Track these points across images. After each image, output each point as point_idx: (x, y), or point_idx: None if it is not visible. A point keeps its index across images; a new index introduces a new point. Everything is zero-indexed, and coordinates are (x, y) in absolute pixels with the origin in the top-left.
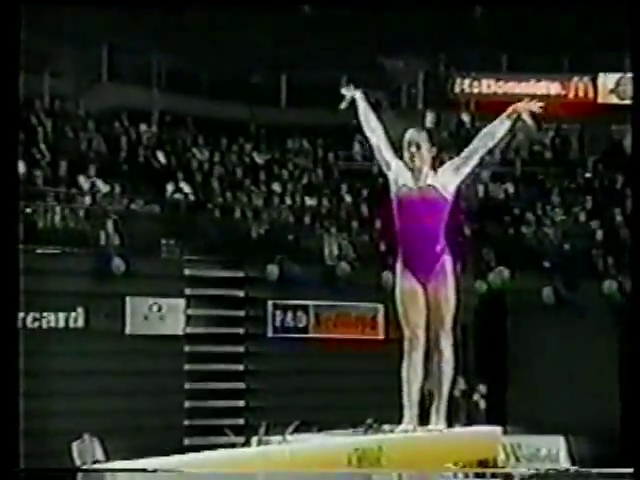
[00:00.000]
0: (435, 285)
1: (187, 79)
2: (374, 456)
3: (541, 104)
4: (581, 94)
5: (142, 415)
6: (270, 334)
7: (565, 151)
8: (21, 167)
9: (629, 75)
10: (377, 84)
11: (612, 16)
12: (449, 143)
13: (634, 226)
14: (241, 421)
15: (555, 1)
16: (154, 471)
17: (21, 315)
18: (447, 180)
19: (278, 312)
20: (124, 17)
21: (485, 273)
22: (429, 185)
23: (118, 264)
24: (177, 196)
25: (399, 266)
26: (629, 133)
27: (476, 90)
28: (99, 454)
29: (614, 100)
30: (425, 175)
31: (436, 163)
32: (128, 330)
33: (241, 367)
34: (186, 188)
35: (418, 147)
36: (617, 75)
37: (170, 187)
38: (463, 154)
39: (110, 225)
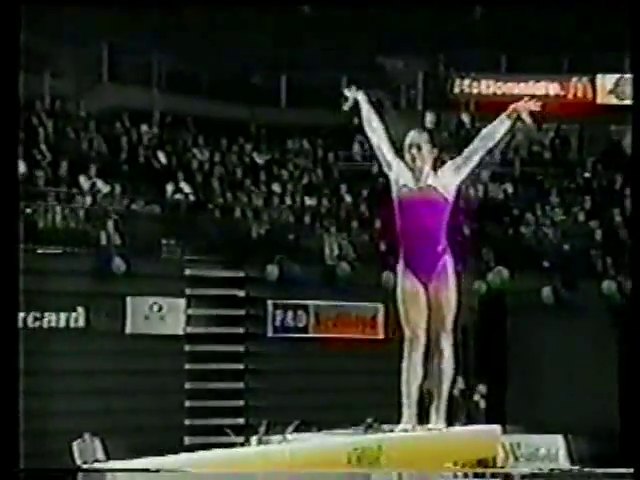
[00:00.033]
0: (436, 285)
1: (187, 79)
2: (374, 455)
3: (540, 104)
4: (580, 95)
5: (142, 414)
6: (270, 334)
7: (564, 151)
8: (22, 167)
9: (628, 76)
10: (377, 84)
11: (611, 16)
12: (449, 143)
13: (634, 226)
14: (241, 421)
15: (554, 2)
16: (155, 471)
17: (22, 315)
18: (448, 180)
19: (278, 312)
20: (124, 17)
21: (484, 273)
22: (430, 186)
23: (119, 264)
24: (177, 196)
25: (400, 266)
26: (628, 133)
27: (475, 90)
28: (100, 453)
29: (613, 101)
30: (426, 176)
31: (437, 164)
32: (129, 330)
33: (241, 367)
34: (186, 188)
35: (419, 148)
36: (616, 76)
37: (170, 187)
38: (463, 154)
39: (111, 225)
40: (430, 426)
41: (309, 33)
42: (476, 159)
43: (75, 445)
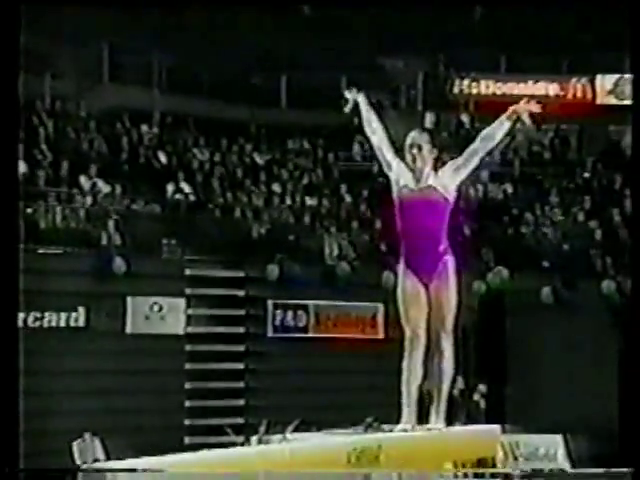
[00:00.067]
0: (437, 285)
1: (188, 80)
2: (373, 455)
3: (540, 105)
4: (580, 95)
5: (143, 414)
6: (270, 333)
7: (564, 151)
8: (23, 167)
9: (627, 76)
10: (377, 85)
11: (611, 17)
12: (449, 144)
13: (634, 226)
14: (241, 420)
15: (554, 2)
16: (155, 471)
17: (23, 315)
18: (448, 181)
19: (278, 312)
20: (124, 17)
21: (484, 273)
22: (430, 186)
23: (119, 264)
24: (178, 196)
25: (401, 266)
26: (627, 134)
27: (475, 91)
28: (100, 453)
29: (612, 101)
30: (426, 176)
31: (437, 164)
32: (129, 329)
33: (241, 366)
34: (187, 188)
35: (420, 149)
36: (615, 76)
37: (171, 187)
38: (463, 155)
39: (111, 225)
40: (429, 426)
41: (309, 33)
42: (476, 160)
43: (75, 445)
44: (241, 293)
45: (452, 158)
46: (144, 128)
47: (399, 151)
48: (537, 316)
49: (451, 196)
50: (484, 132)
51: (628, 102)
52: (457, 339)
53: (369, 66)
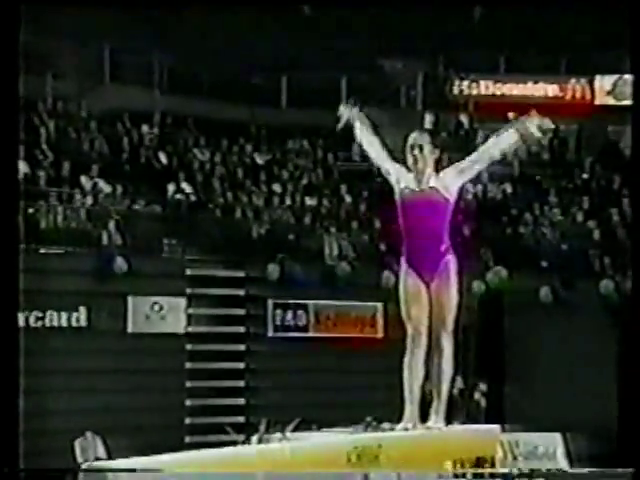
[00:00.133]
0: (438, 284)
1: (188, 80)
2: (373, 454)
3: (548, 120)
4: (578, 96)
5: (144, 413)
6: (271, 333)
7: (562, 152)
8: (24, 167)
9: (626, 77)
10: (376, 85)
11: (610, 17)
12: (449, 144)
13: (634, 226)
14: (242, 419)
15: (553, 3)
16: (156, 470)
17: (24, 314)
18: (449, 182)
19: (278, 311)
20: (125, 18)
21: (483, 273)
22: (432, 187)
23: (120, 264)
24: (178, 196)
25: (402, 265)
26: (626, 134)
27: (475, 91)
28: (101, 452)
29: (611, 102)
30: (427, 177)
31: (438, 165)
32: (130, 329)
33: (242, 365)
34: (187, 188)
35: (421, 149)
36: (614, 77)
37: (171, 187)
38: (468, 159)
39: (112, 225)
40: (429, 425)
41: (309, 33)
42: (480, 167)
43: (77, 443)
44: (241, 293)
45: (451, 158)
46: (145, 128)
47: (399, 152)
48: (536, 316)
49: (452, 197)
50: (491, 141)
51: (627, 103)
52: (457, 338)
53: (369, 67)
